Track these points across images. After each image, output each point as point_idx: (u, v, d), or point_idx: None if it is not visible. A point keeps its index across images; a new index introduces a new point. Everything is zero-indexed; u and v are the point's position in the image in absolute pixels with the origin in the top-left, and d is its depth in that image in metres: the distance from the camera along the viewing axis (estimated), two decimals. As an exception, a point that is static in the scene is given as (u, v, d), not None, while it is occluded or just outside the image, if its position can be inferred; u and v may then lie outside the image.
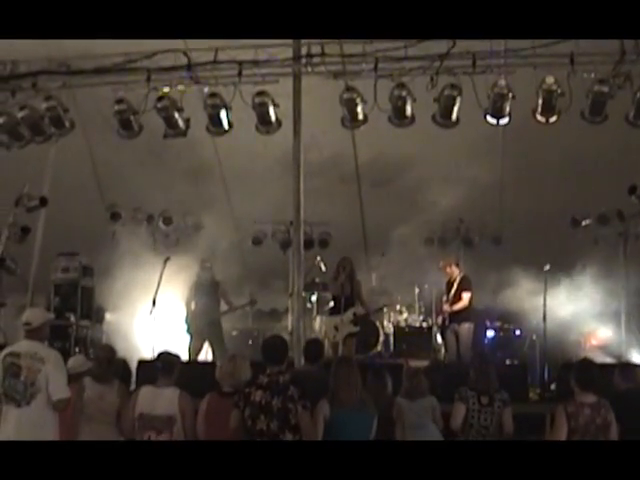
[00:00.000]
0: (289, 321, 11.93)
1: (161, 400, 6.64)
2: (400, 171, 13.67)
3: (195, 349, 11.68)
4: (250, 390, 6.24)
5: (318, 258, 13.85)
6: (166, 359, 6.93)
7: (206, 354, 12.03)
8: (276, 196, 11.77)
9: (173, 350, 7.17)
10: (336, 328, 12.13)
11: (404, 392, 7.72)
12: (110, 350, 7.49)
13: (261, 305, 13.58)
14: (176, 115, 10.78)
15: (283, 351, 6.52)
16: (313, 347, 8.40)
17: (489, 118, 10.29)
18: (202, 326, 11.63)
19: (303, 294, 10.39)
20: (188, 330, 11.71)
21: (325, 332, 12.52)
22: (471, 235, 14.70)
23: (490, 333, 13.81)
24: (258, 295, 12.16)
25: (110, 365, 7.14)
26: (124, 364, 7.92)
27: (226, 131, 11.02)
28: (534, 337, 12.36)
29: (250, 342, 13.32)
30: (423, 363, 12.08)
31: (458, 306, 12.15)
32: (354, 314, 12.27)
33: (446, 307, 12.25)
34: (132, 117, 10.84)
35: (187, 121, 10.95)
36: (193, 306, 11.88)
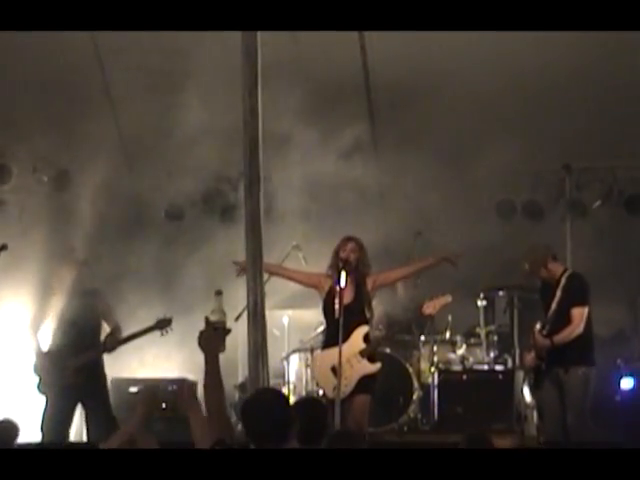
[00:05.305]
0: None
1: None
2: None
3: (57, 417, 8.33)
4: None
5: (294, 243, 9.74)
6: None
7: (80, 435, 8.76)
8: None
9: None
10: (334, 371, 8.14)
11: None
12: None
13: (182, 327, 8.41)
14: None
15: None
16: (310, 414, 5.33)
17: None
18: (67, 375, 8.38)
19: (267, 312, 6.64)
20: (40, 386, 8.51)
21: (317, 379, 8.79)
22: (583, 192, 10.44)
23: (627, 383, 10.05)
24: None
25: None
26: None
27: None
28: None
29: (163, 406, 7.74)
30: (505, 442, 8.62)
31: (565, 334, 8.34)
32: (366, 338, 8.12)
33: (541, 338, 8.38)
34: None
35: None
36: (50, 338, 8.50)
